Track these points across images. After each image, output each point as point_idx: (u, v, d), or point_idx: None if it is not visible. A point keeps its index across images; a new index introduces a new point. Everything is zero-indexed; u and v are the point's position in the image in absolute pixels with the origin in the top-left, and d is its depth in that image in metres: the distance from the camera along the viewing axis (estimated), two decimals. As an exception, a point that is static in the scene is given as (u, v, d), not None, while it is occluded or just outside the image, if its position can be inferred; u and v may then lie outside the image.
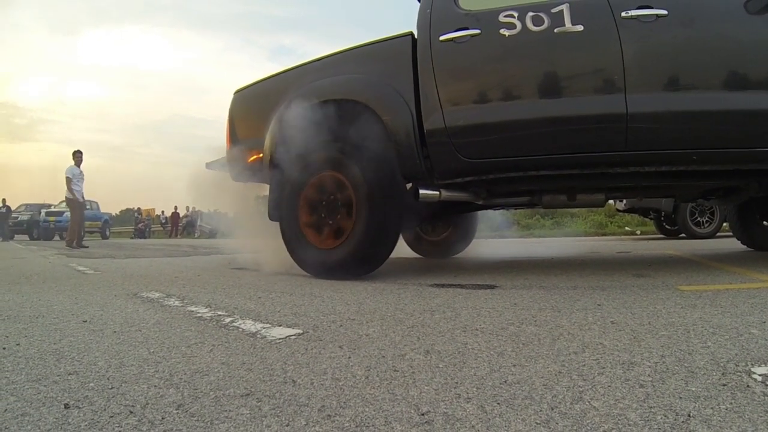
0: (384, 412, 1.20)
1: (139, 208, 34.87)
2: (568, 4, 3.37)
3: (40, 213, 26.61)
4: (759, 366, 1.44)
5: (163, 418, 1.19)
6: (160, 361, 1.67)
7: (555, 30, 3.35)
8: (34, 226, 26.30)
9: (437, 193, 3.77)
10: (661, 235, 11.89)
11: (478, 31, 3.52)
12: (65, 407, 1.28)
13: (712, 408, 1.15)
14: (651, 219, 12.45)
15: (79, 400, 1.32)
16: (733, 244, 6.99)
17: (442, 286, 3.38)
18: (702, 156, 3.31)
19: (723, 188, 4.45)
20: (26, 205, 28.28)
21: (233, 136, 4.83)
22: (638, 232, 15.63)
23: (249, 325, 2.22)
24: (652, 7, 3.27)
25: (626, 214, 14.30)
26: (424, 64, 3.65)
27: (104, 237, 27.88)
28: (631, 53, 3.26)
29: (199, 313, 2.58)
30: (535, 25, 3.39)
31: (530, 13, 3.41)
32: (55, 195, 28.06)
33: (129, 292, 3.50)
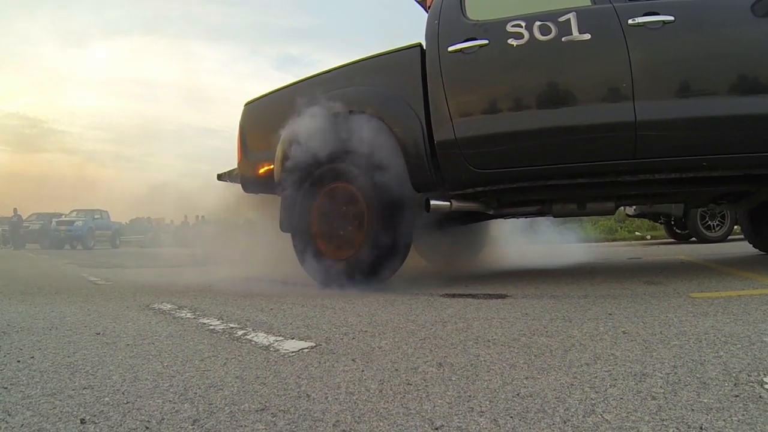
0: (398, 426, 1.20)
1: (149, 217, 34.98)
2: (575, 13, 3.37)
3: (51, 222, 26.72)
4: None
5: (179, 434, 1.20)
6: (175, 375, 1.68)
7: (562, 39, 3.35)
8: (45, 234, 26.42)
9: (448, 203, 3.74)
10: (672, 240, 11.80)
11: (486, 42, 3.52)
12: (81, 422, 1.29)
13: (724, 420, 1.15)
14: (661, 224, 12.37)
15: (95, 415, 1.33)
16: (745, 248, 6.93)
17: (453, 296, 3.37)
18: (712, 162, 3.30)
19: (734, 193, 4.41)
20: (37, 214, 28.41)
21: (244, 148, 4.84)
22: (648, 237, 15.54)
23: (262, 338, 2.22)
24: (658, 14, 3.25)
25: (636, 219, 14.21)
26: (433, 75, 3.65)
27: (114, 246, 27.97)
28: (639, 61, 3.24)
29: (211, 325, 2.59)
30: (542, 34, 3.39)
31: (537, 23, 3.41)
32: (65, 205, 28.22)
33: (141, 303, 3.51)
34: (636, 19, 3.28)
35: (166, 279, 5.00)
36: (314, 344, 2.07)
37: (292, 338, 2.20)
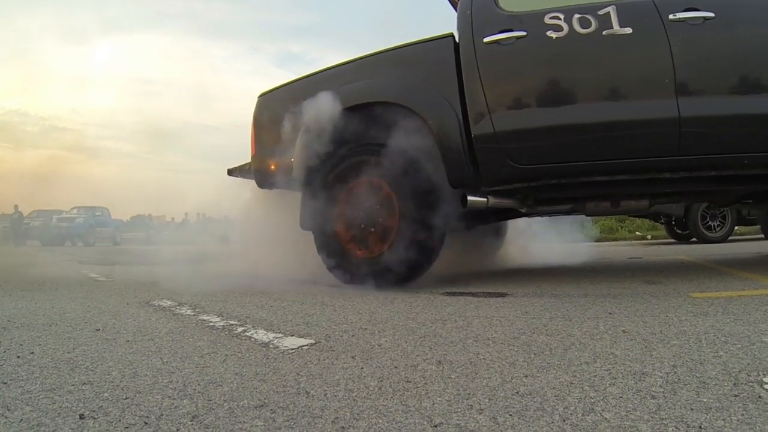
0: (397, 423, 1.20)
1: (150, 215, 35.03)
2: (614, 6, 3.31)
3: (51, 219, 26.73)
4: None
5: (178, 430, 1.20)
6: (174, 372, 1.68)
7: (603, 32, 3.29)
8: (46, 231, 26.42)
9: (485, 200, 3.64)
10: (673, 240, 11.80)
11: (523, 33, 3.44)
12: (80, 417, 1.29)
13: (723, 420, 1.15)
14: (662, 224, 12.36)
15: (94, 411, 1.34)
16: (746, 249, 6.94)
17: (454, 294, 3.38)
18: (753, 159, 3.26)
19: (761, 192, 4.33)
20: (38, 211, 28.42)
21: (259, 142, 4.68)
22: (649, 237, 15.53)
23: (261, 335, 2.22)
24: (698, 10, 3.22)
25: (637, 218, 14.20)
26: (469, 66, 3.55)
27: (115, 243, 27.99)
28: (681, 56, 3.20)
29: (211, 322, 2.59)
30: (582, 27, 3.33)
31: (576, 15, 3.34)
32: (66, 202, 28.22)
33: (141, 300, 3.52)
34: (677, 14, 3.23)
35: (167, 276, 4.99)
36: (314, 341, 2.08)
37: (292, 335, 2.21)
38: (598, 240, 14.06)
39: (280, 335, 2.21)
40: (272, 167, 4.50)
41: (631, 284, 3.57)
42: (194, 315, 2.84)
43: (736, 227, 11.12)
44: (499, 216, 4.58)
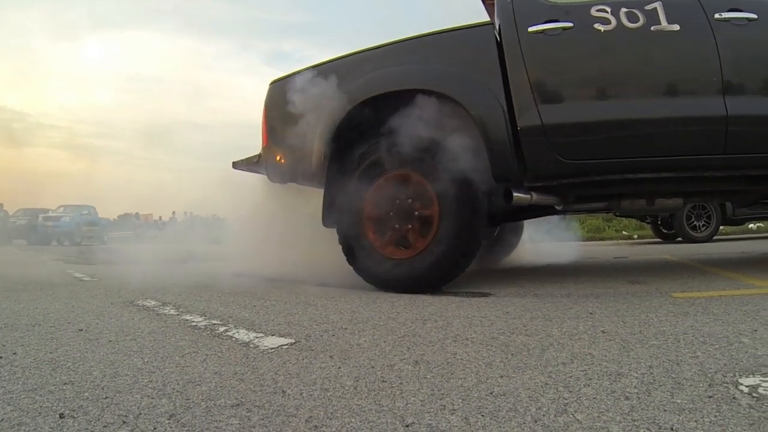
0: (369, 423, 1.23)
1: (137, 213, 34.86)
2: (660, 2, 3.30)
3: (38, 218, 26.53)
4: (747, 377, 1.45)
5: (155, 428, 1.22)
6: (154, 371, 1.71)
7: (652, 28, 3.26)
8: (32, 230, 26.23)
9: (529, 196, 3.48)
10: (659, 240, 11.92)
11: (570, 24, 3.36)
12: (60, 417, 1.31)
13: (696, 421, 1.16)
14: (648, 223, 12.49)
15: (74, 410, 1.36)
16: (730, 248, 7.01)
17: (436, 293, 3.40)
18: None
19: None
20: (24, 209, 28.20)
21: (271, 132, 4.39)
22: (635, 236, 15.66)
23: (242, 335, 2.25)
24: (742, 11, 3.25)
25: (624, 218, 14.32)
26: (513, 56, 3.42)
27: (102, 242, 27.82)
28: (728, 55, 3.21)
29: (193, 322, 2.61)
30: (630, 21, 3.29)
31: (624, 9, 3.30)
32: (53, 200, 28.02)
33: (125, 300, 3.52)
34: (722, 14, 3.25)
35: (153, 275, 4.99)
36: (294, 341, 2.10)
37: (273, 335, 2.23)
38: (586, 239, 14.16)
39: (261, 335, 2.23)
40: (286, 160, 4.26)
41: (614, 284, 3.60)
42: (177, 315, 2.85)
43: (721, 227, 11.26)
44: (527, 214, 4.45)
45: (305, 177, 4.24)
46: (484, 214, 3.53)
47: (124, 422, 1.27)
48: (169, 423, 1.25)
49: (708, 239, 10.46)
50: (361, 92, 3.78)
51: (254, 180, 5.17)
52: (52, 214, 26.74)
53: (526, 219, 4.88)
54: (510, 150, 3.37)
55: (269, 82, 4.49)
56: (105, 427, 1.24)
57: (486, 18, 4.18)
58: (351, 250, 3.77)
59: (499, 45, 3.49)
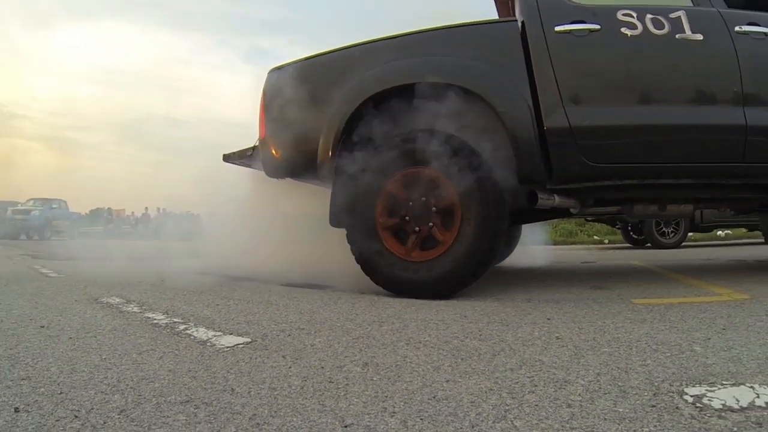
0: (310, 422, 1.28)
1: (109, 208, 34.43)
2: (684, 12, 3.36)
3: (6, 211, 26.11)
4: (693, 386, 1.45)
5: (105, 423, 1.28)
6: (110, 368, 1.75)
7: (677, 36, 3.33)
8: (0, 224, 25.80)
9: (552, 199, 3.48)
10: (629, 245, 12.12)
11: (597, 27, 3.37)
12: (15, 411, 1.36)
13: (635, 430, 1.18)
14: (618, 228, 12.69)
15: (29, 405, 1.41)
16: (697, 255, 7.13)
17: (398, 296, 3.39)
18: None
19: None
20: (-9, 202, 27.74)
21: (270, 123, 4.02)
22: (606, 241, 15.86)
23: (201, 333, 2.29)
24: (759, 25, 3.36)
25: (596, 223, 14.51)
26: (539, 54, 3.39)
27: (72, 237, 27.45)
28: (747, 67, 3.31)
29: (155, 319, 2.64)
30: (656, 28, 3.34)
31: (649, 15, 3.36)
32: (23, 193, 27.64)
33: (90, 297, 3.53)
34: (742, 27, 3.35)
35: (120, 272, 4.98)
36: (250, 340, 2.15)
37: (231, 334, 2.27)
38: (557, 243, 14.32)
39: (220, 333, 2.28)
40: (286, 153, 3.95)
41: (577, 289, 3.64)
42: (140, 312, 2.88)
43: (690, 233, 11.51)
44: (539, 216, 4.39)
45: (307, 172, 3.92)
46: (507, 215, 3.37)
47: (76, 416, 1.32)
48: (119, 418, 1.31)
49: (676, 245, 10.67)
50: (378, 83, 3.59)
51: (230, 176, 5.15)
52: (22, 208, 26.35)
53: (535, 222, 4.84)
54: (537, 151, 3.31)
55: (269, 70, 4.18)
56: (57, 421, 1.29)
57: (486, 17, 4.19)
58: (366, 256, 3.48)
59: (524, 42, 3.45)
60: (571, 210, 3.88)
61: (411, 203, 3.40)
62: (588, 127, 3.31)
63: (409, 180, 3.44)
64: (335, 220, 3.64)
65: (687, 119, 3.36)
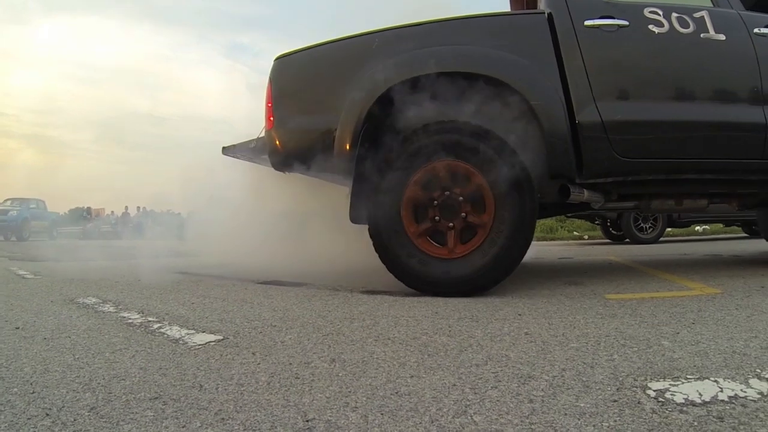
0: (273, 417, 1.32)
1: (89, 208, 34.10)
2: (707, 11, 3.48)
3: (-19, 211, 25.75)
4: (656, 381, 1.47)
5: (75, 420, 1.32)
6: (83, 367, 1.79)
7: (701, 35, 3.45)
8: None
9: (583, 193, 3.47)
10: (608, 241, 12.30)
11: (626, 23, 3.42)
12: (-13, 410, 1.40)
13: (594, 426, 1.19)
14: (598, 224, 12.88)
15: (1, 404, 1.45)
16: (675, 250, 7.20)
17: (372, 293, 3.46)
18: None
19: None
20: (-34, 203, 27.32)
21: (278, 113, 3.77)
22: (586, 236, 16.04)
23: (175, 332, 2.33)
24: None
25: (576, 219, 14.69)
26: (569, 48, 3.38)
27: (51, 237, 27.17)
28: (765, 68, 3.46)
29: (130, 319, 2.68)
30: (681, 26, 3.44)
31: (674, 14, 3.46)
32: (-1, 193, 27.28)
33: (66, 297, 3.55)
34: (761, 29, 3.49)
35: (97, 272, 4.99)
36: (222, 338, 2.19)
37: (203, 332, 2.32)
38: (537, 239, 14.45)
39: (192, 331, 2.32)
40: (298, 145, 3.72)
41: (551, 285, 3.68)
42: (116, 312, 2.91)
43: (668, 229, 11.72)
44: (560, 210, 4.50)
45: (320, 165, 3.67)
46: (537, 209, 3.25)
47: (47, 415, 1.36)
48: (89, 415, 1.35)
49: (654, 240, 10.88)
50: (402, 72, 3.42)
51: (213, 173, 5.16)
52: (-1, 208, 26.00)
53: (556, 216, 4.87)
54: (569, 145, 3.29)
55: (275, 57, 3.90)
56: (29, 419, 1.34)
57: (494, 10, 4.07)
58: (390, 252, 3.32)
59: (553, 35, 3.44)
60: (593, 205, 3.91)
61: (438, 198, 3.29)
62: (620, 122, 3.35)
63: (439, 174, 3.30)
64: (356, 217, 3.48)
65: (711, 116, 3.47)
